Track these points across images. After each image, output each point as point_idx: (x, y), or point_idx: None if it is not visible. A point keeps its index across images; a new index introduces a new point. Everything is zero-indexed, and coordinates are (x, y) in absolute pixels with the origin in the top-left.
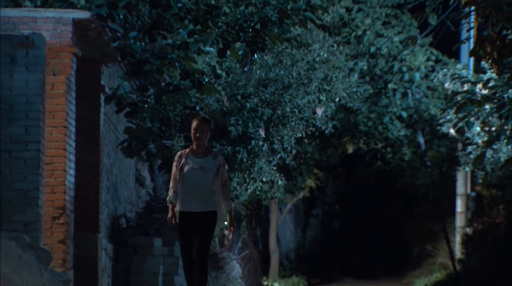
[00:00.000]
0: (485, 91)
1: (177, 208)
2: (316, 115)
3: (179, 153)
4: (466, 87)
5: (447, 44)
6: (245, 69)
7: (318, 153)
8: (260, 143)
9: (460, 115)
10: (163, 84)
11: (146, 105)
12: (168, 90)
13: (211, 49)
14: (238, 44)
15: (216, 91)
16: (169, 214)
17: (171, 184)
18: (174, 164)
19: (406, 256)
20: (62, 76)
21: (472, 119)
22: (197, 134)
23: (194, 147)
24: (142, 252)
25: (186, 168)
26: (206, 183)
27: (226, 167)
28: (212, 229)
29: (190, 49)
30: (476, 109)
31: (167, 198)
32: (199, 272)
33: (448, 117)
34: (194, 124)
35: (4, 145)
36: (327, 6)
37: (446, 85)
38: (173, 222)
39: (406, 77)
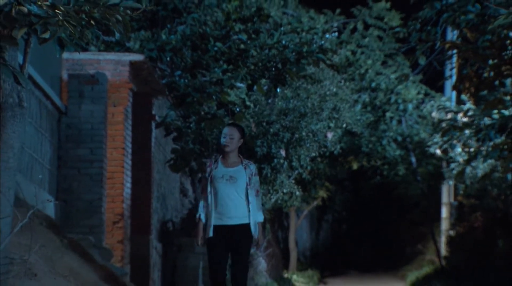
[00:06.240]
0: (465, 119)
1: (208, 222)
2: (327, 138)
3: (208, 163)
4: (449, 115)
5: (434, 80)
6: (269, 100)
7: (328, 169)
8: (281, 161)
9: (445, 138)
10: (202, 113)
11: (189, 130)
12: (207, 118)
13: (241, 84)
14: (263, 80)
15: (245, 119)
16: (197, 236)
17: (201, 198)
18: (204, 175)
19: (401, 254)
20: (120, 107)
21: (454, 141)
22: (226, 140)
23: (224, 155)
24: (186, 251)
25: (215, 179)
26: (238, 194)
27: (258, 177)
28: (248, 243)
29: (224, 84)
30: (458, 134)
31: (197, 216)
32: None
33: (435, 140)
34: (225, 129)
35: (73, 164)
36: (336, 49)
37: (433, 114)
38: (199, 243)
39: (401, 107)
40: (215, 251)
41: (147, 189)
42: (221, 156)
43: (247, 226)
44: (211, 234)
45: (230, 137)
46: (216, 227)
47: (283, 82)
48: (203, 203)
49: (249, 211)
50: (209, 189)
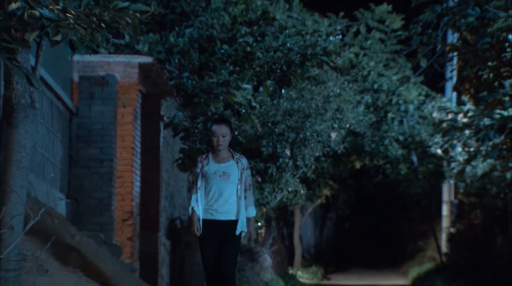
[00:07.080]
0: (465, 119)
1: (199, 216)
2: (330, 138)
3: (199, 158)
4: (450, 116)
5: (434, 82)
6: (274, 101)
7: (332, 168)
8: (286, 160)
9: (445, 138)
10: (209, 113)
11: (196, 130)
12: (214, 118)
13: (247, 85)
14: (268, 82)
15: (251, 119)
16: (194, 226)
17: (192, 192)
18: (195, 170)
19: (402, 250)
20: (130, 108)
21: (455, 141)
22: (219, 141)
23: (214, 151)
24: (193, 248)
25: (208, 175)
26: (230, 190)
27: (249, 171)
28: (237, 239)
29: (230, 85)
30: (458, 134)
31: (190, 208)
32: None
33: (435, 140)
34: (215, 128)
35: (84, 163)
36: (339, 51)
37: (434, 114)
38: (196, 232)
39: (402, 108)
40: (206, 246)
41: (156, 187)
42: (210, 152)
43: (234, 223)
44: (202, 228)
45: (223, 136)
46: (205, 222)
47: (288, 84)
48: (195, 197)
49: (238, 207)
50: (199, 184)
